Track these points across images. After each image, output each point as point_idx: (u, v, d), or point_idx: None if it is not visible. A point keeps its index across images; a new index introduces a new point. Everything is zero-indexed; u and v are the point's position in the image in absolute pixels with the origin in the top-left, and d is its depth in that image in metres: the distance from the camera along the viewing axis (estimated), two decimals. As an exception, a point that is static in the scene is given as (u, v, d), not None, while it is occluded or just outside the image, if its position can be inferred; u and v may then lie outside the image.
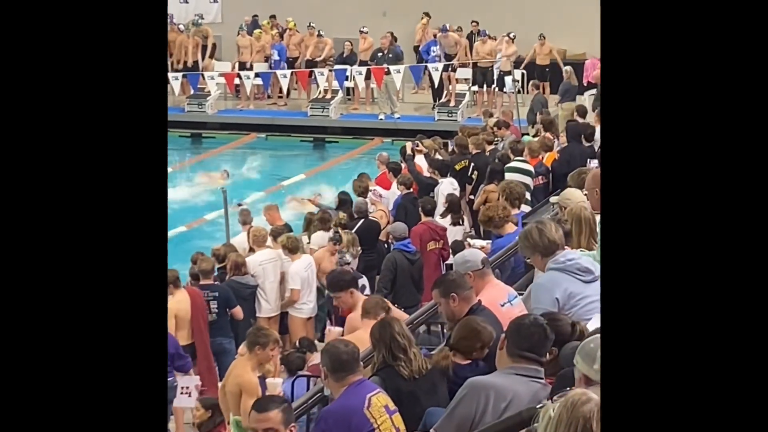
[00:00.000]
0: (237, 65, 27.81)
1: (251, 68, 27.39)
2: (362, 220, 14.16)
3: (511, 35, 25.86)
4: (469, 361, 6.31)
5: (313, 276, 12.95)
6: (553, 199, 10.26)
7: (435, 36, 26.92)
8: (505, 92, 25.84)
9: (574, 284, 6.42)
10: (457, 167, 16.44)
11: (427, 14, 27.82)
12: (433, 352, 6.91)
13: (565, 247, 6.93)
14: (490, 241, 11.29)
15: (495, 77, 25.90)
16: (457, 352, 6.36)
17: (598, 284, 6.34)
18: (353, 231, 13.72)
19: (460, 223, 14.47)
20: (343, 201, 15.53)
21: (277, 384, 9.74)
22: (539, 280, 6.66)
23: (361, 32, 27.13)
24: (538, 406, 4.22)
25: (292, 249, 12.78)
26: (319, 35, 27.29)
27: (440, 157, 17.19)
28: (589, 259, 6.64)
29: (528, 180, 14.97)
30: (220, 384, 10.33)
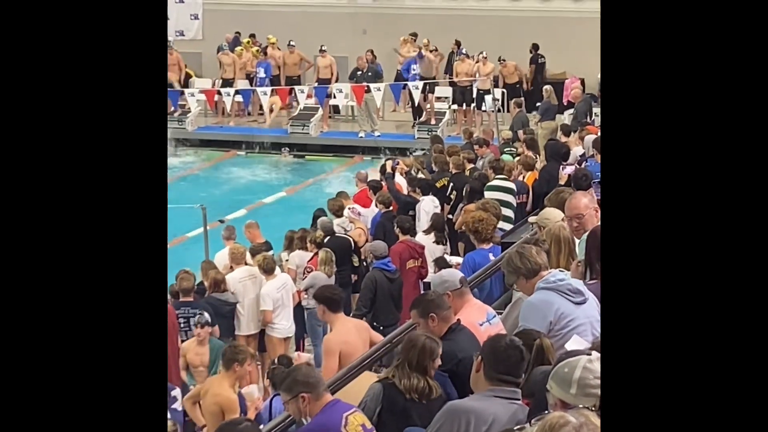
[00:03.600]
0: (220, 82, 27.85)
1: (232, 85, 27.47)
2: (328, 238, 14.15)
3: (483, 54, 26.01)
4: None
5: (288, 296, 12.95)
6: (531, 218, 10.29)
7: (420, 56, 27.00)
8: (484, 111, 25.96)
9: (566, 305, 6.41)
10: (438, 185, 16.47)
11: (413, 34, 27.86)
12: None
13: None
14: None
15: (474, 96, 26.02)
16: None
17: (586, 306, 6.36)
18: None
19: (443, 242, 14.48)
20: (318, 218, 15.54)
21: (253, 391, 9.80)
22: (531, 298, 6.64)
23: (321, 50, 27.17)
24: (515, 428, 4.23)
25: (267, 270, 12.81)
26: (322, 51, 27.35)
27: (422, 176, 17.21)
28: (579, 281, 6.65)
29: (509, 198, 15.01)
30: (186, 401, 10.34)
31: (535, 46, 26.96)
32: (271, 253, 13.81)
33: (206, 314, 11.59)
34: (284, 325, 12.98)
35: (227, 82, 27.76)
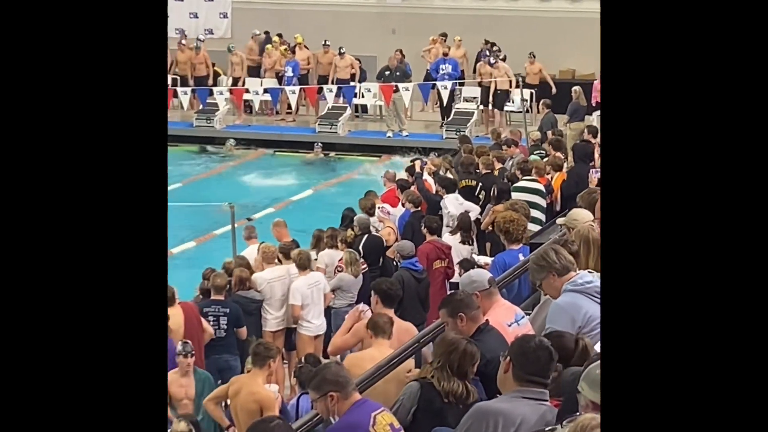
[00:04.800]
0: (231, 81, 28.04)
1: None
2: (366, 236, 14.18)
3: (501, 56, 26.07)
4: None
5: (320, 294, 12.92)
6: (560, 220, 10.25)
7: (445, 55, 26.96)
8: (508, 111, 26.01)
9: (594, 308, 6.38)
10: (462, 185, 16.43)
11: (443, 34, 27.85)
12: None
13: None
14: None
15: (498, 97, 26.06)
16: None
17: None
18: (359, 247, 13.76)
19: (470, 242, 14.44)
20: (347, 217, 15.53)
21: (274, 390, 9.81)
22: (558, 301, 6.62)
23: (340, 52, 27.20)
24: (546, 429, 4.21)
25: (301, 266, 12.79)
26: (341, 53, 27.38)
27: (450, 176, 17.18)
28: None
29: (537, 199, 14.97)
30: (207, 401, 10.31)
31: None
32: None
33: (190, 343, 10.90)
34: (314, 324, 12.95)
35: (236, 81, 28.05)
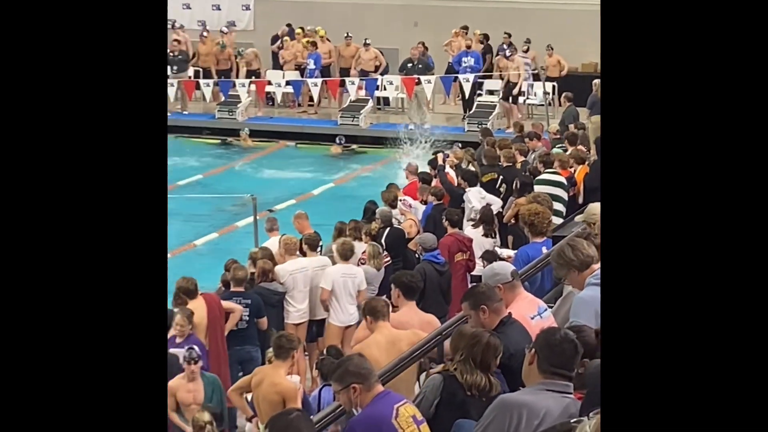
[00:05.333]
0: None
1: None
2: (388, 229, 14.18)
3: (514, 47, 26.08)
4: None
5: (354, 286, 12.87)
6: (578, 217, 10.22)
7: (468, 47, 26.92)
8: (527, 104, 25.98)
9: None
10: (484, 179, 16.43)
11: (464, 27, 27.80)
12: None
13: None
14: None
15: (519, 90, 26.03)
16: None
17: None
18: (382, 239, 13.76)
19: (492, 235, 14.43)
20: (369, 210, 15.53)
21: (296, 380, 9.84)
22: (582, 294, 6.60)
23: (365, 44, 27.18)
24: (572, 421, 4.20)
25: (344, 255, 12.73)
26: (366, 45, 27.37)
27: (472, 168, 17.18)
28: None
29: (560, 192, 14.95)
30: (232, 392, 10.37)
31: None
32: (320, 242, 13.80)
33: (196, 348, 10.65)
34: (343, 314, 12.88)
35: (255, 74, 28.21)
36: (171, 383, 10.18)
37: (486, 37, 27.52)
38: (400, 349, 8.36)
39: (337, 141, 26.39)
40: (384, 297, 10.31)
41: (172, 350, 10.59)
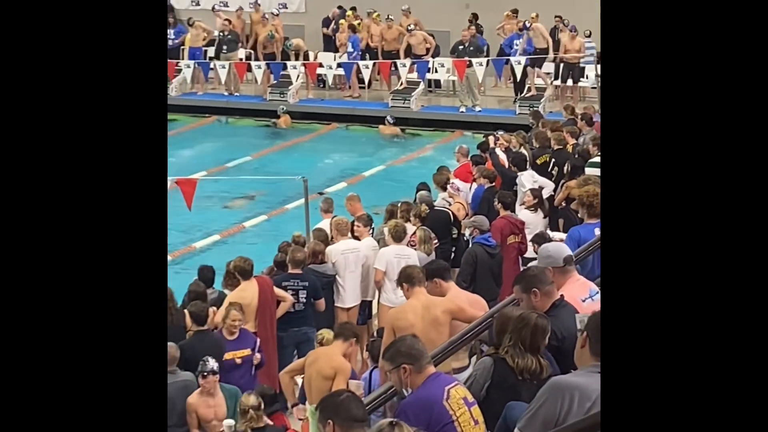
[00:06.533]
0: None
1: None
2: (429, 212, 14.09)
3: (570, 28, 25.93)
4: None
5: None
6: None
7: (520, 30, 26.75)
8: (579, 86, 25.87)
9: None
10: (539, 161, 16.38)
11: (514, 10, 27.60)
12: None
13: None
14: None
15: (579, 72, 25.88)
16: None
17: None
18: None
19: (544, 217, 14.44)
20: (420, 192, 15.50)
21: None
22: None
23: (408, 30, 27.02)
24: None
25: (397, 237, 12.69)
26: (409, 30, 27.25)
27: (524, 152, 17.11)
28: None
29: (610, 175, 14.84)
30: (283, 374, 10.39)
31: None
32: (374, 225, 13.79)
33: (211, 360, 10.02)
34: (395, 296, 12.79)
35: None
36: (189, 400, 9.95)
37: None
38: (435, 315, 8.57)
39: (388, 120, 26.34)
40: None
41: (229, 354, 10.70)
